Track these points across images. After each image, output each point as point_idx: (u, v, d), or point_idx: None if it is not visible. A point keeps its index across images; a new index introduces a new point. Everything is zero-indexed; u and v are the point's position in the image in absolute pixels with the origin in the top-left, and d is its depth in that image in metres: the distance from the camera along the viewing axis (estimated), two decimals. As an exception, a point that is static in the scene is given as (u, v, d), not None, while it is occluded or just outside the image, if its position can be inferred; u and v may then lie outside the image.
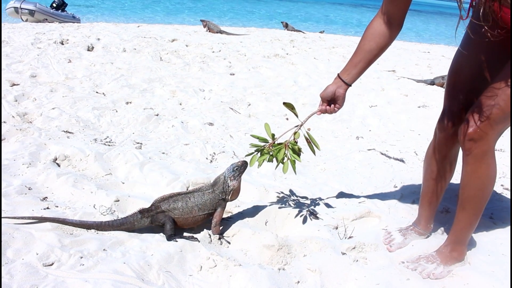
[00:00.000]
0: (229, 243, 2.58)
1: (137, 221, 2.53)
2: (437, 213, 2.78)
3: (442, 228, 2.75)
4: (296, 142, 2.56)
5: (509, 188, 3.49)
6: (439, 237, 2.65)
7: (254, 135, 2.75)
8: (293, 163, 2.54)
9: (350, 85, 2.47)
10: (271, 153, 2.55)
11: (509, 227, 2.81)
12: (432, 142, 2.57)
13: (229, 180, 2.61)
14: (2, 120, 4.13)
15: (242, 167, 2.64)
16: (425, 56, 10.68)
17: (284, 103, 2.66)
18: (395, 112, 5.73)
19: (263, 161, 2.56)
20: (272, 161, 2.57)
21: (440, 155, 2.50)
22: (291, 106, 2.62)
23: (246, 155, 2.65)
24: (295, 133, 2.56)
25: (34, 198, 2.80)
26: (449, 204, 3.03)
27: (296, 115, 2.59)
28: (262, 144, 2.61)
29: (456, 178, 2.64)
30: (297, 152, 2.55)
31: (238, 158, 3.81)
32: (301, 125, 2.58)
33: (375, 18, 2.34)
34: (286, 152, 2.54)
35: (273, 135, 2.63)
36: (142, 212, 2.53)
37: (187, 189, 3.09)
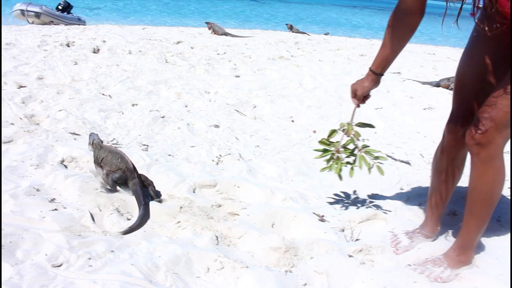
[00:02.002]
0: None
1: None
2: (444, 216, 2.78)
3: (449, 231, 2.75)
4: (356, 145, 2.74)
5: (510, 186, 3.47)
6: (446, 240, 2.65)
7: (322, 140, 2.85)
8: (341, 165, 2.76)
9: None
10: (345, 160, 2.77)
11: (516, 230, 2.81)
12: (440, 144, 2.56)
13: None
14: (10, 122, 4.16)
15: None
16: (431, 58, 10.66)
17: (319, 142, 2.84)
18: (401, 114, 5.73)
19: (340, 170, 2.75)
20: (346, 165, 2.78)
21: (448, 157, 2.49)
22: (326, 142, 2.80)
23: (315, 149, 2.86)
24: (347, 131, 2.71)
25: (43, 200, 2.81)
26: (456, 207, 3.02)
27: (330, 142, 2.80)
28: (330, 149, 2.78)
29: (463, 181, 2.64)
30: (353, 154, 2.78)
31: (244, 160, 3.82)
32: (349, 125, 2.69)
33: (396, 10, 2.30)
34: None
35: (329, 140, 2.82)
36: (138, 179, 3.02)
37: (194, 191, 3.13)
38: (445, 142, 2.50)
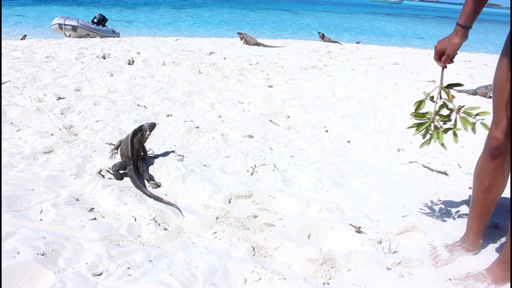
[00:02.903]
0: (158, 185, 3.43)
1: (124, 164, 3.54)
2: (485, 229, 2.70)
3: (491, 245, 2.67)
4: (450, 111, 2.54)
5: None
6: (488, 254, 2.57)
7: (415, 113, 2.66)
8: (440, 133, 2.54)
9: None
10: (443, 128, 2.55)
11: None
12: (483, 153, 2.46)
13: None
14: (50, 133, 4.28)
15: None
16: (466, 65, 10.44)
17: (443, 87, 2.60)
18: (437, 124, 5.62)
19: (442, 138, 2.56)
20: (446, 132, 2.55)
21: (492, 167, 2.40)
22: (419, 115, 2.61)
23: (409, 127, 2.68)
24: (437, 106, 2.54)
25: (82, 209, 2.88)
26: (497, 219, 2.94)
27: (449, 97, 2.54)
28: (425, 121, 2.59)
29: (506, 192, 2.56)
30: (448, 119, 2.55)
31: (279, 170, 3.81)
32: (440, 88, 2.53)
33: None
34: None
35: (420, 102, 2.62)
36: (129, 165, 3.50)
37: (229, 201, 3.16)
38: (488, 151, 2.42)
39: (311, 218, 2.96)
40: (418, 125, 2.60)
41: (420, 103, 2.60)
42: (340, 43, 14.98)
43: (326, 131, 5.17)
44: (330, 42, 15.03)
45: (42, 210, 2.81)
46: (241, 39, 12.94)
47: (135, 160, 3.54)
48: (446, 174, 4.00)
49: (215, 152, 4.17)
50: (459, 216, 3.10)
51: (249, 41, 12.63)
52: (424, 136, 2.59)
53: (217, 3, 53.25)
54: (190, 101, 6.01)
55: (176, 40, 12.95)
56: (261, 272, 2.30)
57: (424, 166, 4.14)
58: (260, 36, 18.04)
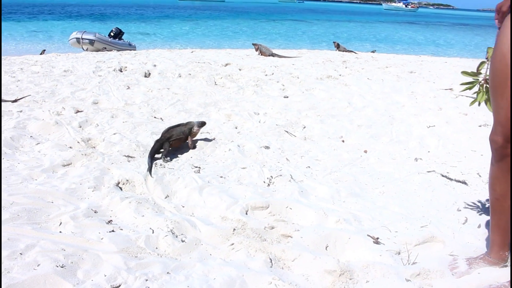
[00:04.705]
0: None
1: (157, 147, 4.25)
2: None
3: (513, 255, 2.61)
4: None
5: None
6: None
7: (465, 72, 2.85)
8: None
9: None
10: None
11: None
12: (491, 159, 2.40)
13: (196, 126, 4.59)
14: (68, 146, 4.35)
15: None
16: (484, 74, 10.36)
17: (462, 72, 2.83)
18: (455, 132, 5.57)
19: (485, 96, 2.73)
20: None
21: (498, 171, 2.31)
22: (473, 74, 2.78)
23: (461, 84, 2.89)
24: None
25: (100, 221, 2.90)
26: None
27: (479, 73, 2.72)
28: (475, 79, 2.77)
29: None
30: None
31: (295, 181, 3.81)
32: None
33: None
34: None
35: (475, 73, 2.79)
36: (157, 141, 4.32)
37: (246, 213, 3.15)
38: (492, 156, 2.33)
39: (329, 229, 2.94)
40: (471, 83, 2.81)
41: (481, 64, 2.75)
42: (355, 52, 14.96)
43: (343, 141, 5.15)
44: (345, 51, 15.02)
45: (61, 223, 2.84)
46: (256, 50, 13.00)
47: (161, 140, 4.33)
48: (465, 183, 3.94)
49: (231, 164, 4.18)
50: (479, 226, 3.05)
51: (264, 52, 12.68)
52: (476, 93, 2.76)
53: (232, 15, 53.65)
54: (206, 112, 6.05)
55: (192, 52, 13.06)
56: (279, 284, 2.29)
57: (442, 176, 4.10)
58: (275, 46, 18.12)
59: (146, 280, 2.29)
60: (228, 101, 6.77)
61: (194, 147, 4.58)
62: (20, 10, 37.57)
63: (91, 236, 2.70)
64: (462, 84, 2.84)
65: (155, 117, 5.70)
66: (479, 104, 2.79)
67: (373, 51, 17.13)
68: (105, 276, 2.28)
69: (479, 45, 26.40)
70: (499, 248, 2.43)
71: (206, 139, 4.77)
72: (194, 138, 4.66)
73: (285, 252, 2.64)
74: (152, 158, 4.06)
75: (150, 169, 3.83)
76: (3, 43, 19.24)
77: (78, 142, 4.47)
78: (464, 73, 2.82)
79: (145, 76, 8.38)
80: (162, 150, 4.30)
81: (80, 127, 5.04)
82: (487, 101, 2.68)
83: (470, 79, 2.80)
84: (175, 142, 4.46)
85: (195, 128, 4.59)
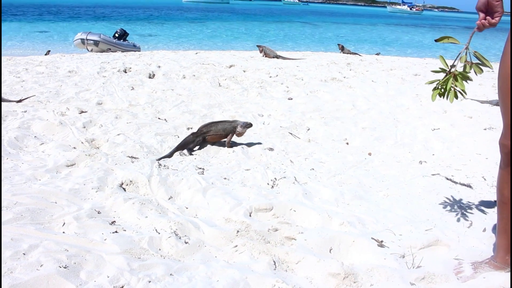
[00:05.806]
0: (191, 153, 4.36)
1: (191, 140, 4.51)
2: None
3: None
4: (470, 65, 2.53)
5: None
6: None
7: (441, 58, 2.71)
8: (454, 93, 2.58)
9: None
10: (438, 87, 2.63)
11: None
12: (500, 163, 2.40)
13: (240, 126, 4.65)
14: (72, 146, 4.35)
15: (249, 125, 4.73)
16: (489, 75, 10.28)
17: (436, 40, 2.64)
18: (459, 135, 5.54)
19: (436, 96, 2.63)
20: (443, 96, 2.61)
21: (507, 175, 2.30)
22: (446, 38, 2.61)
23: (427, 83, 2.76)
24: (460, 57, 2.52)
25: (103, 222, 2.89)
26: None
27: (456, 42, 2.55)
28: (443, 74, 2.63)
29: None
30: (466, 77, 2.56)
31: (299, 183, 3.79)
32: (466, 48, 2.49)
33: None
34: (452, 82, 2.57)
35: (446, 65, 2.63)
36: (193, 134, 4.56)
37: (250, 215, 3.13)
38: (501, 160, 2.31)
39: (333, 231, 2.92)
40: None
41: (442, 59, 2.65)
42: (359, 55, 14.94)
43: (347, 143, 5.13)
44: (350, 53, 15.01)
45: (64, 223, 2.83)
46: (261, 51, 13.00)
47: (196, 134, 4.57)
48: (470, 186, 3.92)
49: (235, 165, 4.17)
50: (484, 230, 3.03)
51: (269, 53, 12.68)
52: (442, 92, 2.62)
53: (236, 17, 53.72)
54: (210, 114, 6.05)
55: (196, 53, 13.07)
56: (282, 286, 2.28)
57: (447, 179, 4.07)
58: (279, 48, 18.12)
59: (149, 281, 2.27)
60: (232, 102, 6.77)
61: (230, 147, 4.64)
62: (29, 11, 37.77)
63: (94, 236, 2.69)
64: (428, 83, 2.72)
65: (159, 118, 5.69)
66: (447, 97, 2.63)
67: (377, 53, 17.12)
68: (108, 277, 2.27)
69: (490, 49, 26.26)
70: (505, 253, 2.41)
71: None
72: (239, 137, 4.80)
73: (288, 254, 2.63)
74: (177, 148, 4.38)
75: (166, 156, 4.22)
76: (9, 43, 19.32)
77: (82, 143, 4.47)
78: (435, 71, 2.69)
79: (150, 77, 8.39)
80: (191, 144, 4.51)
81: (84, 127, 5.04)
82: (449, 92, 2.57)
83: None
84: (211, 137, 4.63)
85: (239, 128, 4.64)
